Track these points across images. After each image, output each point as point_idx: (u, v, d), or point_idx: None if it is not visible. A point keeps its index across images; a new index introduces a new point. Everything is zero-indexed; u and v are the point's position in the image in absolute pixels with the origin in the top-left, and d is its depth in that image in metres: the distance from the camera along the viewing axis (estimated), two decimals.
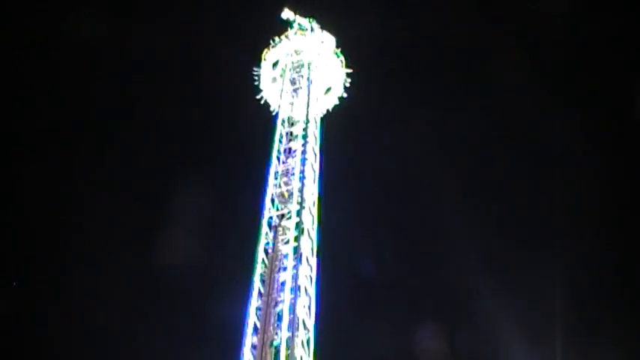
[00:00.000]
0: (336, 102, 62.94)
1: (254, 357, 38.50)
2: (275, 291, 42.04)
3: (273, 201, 47.57)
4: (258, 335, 39.66)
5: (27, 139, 66.67)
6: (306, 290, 41.42)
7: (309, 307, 40.81)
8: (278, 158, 50.58)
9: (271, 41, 62.69)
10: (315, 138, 54.84)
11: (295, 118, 57.44)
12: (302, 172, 47.66)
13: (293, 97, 60.01)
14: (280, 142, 53.50)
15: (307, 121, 54.97)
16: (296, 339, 38.14)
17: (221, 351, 39.12)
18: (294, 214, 45.52)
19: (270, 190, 48.07)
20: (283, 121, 57.13)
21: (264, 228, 45.38)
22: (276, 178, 48.95)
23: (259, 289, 42.05)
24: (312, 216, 46.12)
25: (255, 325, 40.28)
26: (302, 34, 62.38)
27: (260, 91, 62.66)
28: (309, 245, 44.02)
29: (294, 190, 47.28)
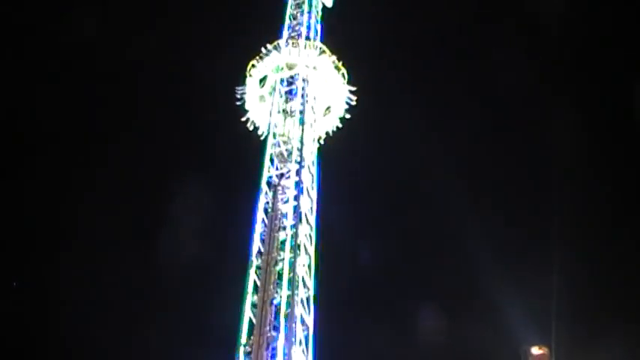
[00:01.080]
0: (338, 123, 52.85)
1: (254, 315, 37.73)
2: (275, 250, 41.18)
3: (272, 160, 46.40)
4: (259, 294, 38.84)
5: (26, 139, 66.46)
6: (305, 249, 40.97)
7: (309, 266, 40.40)
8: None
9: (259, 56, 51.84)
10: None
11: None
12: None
13: (285, 118, 49.75)
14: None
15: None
16: (296, 297, 37.92)
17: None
18: (293, 173, 44.58)
19: (270, 150, 46.76)
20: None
21: (264, 187, 44.33)
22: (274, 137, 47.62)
23: (259, 248, 41.35)
24: (312, 175, 45.80)
25: (255, 283, 39.59)
26: (295, 44, 51.59)
27: (245, 111, 52.43)
28: (308, 204, 43.58)
29: (293, 150, 46.10)
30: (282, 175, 45.50)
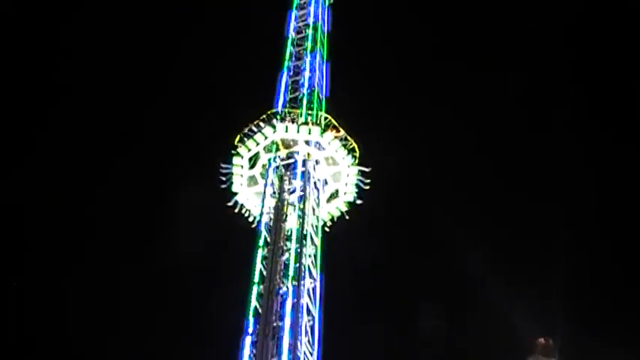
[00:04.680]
0: (345, 208, 42.93)
1: (260, 305, 35.79)
2: (281, 240, 38.83)
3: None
4: (265, 284, 36.70)
5: (27, 137, 63.97)
6: (312, 239, 38.82)
7: (315, 256, 38.65)
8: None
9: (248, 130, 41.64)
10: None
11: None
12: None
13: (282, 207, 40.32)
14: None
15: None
16: (302, 287, 36.04)
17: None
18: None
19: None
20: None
21: (271, 177, 40.83)
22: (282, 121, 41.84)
23: (265, 238, 38.82)
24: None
25: (261, 273, 37.41)
26: (292, 118, 41.20)
27: (233, 194, 42.54)
28: (314, 194, 40.53)
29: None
30: (288, 165, 41.46)
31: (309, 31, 49.30)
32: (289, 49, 49.04)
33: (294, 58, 48.85)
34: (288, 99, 45.31)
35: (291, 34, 50.14)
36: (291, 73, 47.64)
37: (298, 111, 42.28)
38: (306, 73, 46.85)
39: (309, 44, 49.28)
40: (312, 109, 43.69)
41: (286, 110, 42.21)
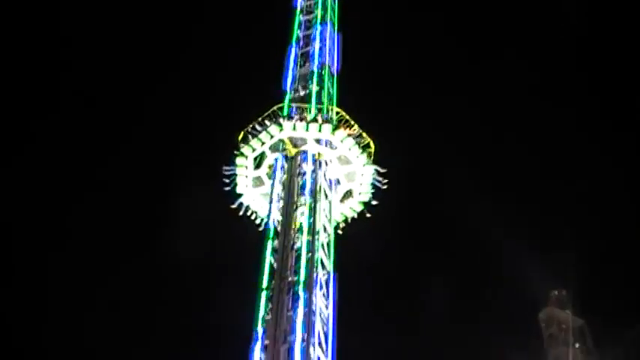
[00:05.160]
0: (359, 208, 39.45)
1: (275, 260, 34.28)
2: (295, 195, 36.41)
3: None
4: (279, 239, 34.95)
5: (26, 138, 65.50)
6: (325, 194, 36.69)
7: (329, 211, 36.57)
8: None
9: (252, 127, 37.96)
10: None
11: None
12: None
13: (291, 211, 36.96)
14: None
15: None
16: (317, 242, 34.35)
17: None
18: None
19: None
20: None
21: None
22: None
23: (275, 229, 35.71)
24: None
25: (275, 230, 35.53)
26: (301, 115, 37.37)
27: (238, 196, 39.12)
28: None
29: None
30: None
31: None
32: (298, 18, 45.14)
33: (303, 27, 44.94)
34: (297, 75, 41.68)
35: (300, 2, 46.02)
36: (302, 44, 43.95)
37: (307, 106, 38.15)
38: (317, 44, 43.13)
39: (319, 12, 45.15)
40: (322, 89, 40.13)
41: (294, 105, 38.10)
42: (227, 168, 38.26)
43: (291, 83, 41.66)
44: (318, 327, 32.43)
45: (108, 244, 62.27)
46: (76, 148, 65.95)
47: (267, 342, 31.51)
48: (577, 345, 40.59)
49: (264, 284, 33.26)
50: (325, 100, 38.73)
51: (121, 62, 69.27)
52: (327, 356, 31.82)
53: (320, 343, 31.88)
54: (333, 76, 42.74)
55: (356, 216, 39.40)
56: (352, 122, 38.10)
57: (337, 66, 42.91)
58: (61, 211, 63.48)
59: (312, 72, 41.30)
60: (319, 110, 38.25)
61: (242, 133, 38.12)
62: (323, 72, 41.93)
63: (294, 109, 38.10)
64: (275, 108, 38.12)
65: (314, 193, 36.08)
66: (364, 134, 38.15)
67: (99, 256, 61.31)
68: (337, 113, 38.31)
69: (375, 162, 38.44)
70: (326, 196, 37.22)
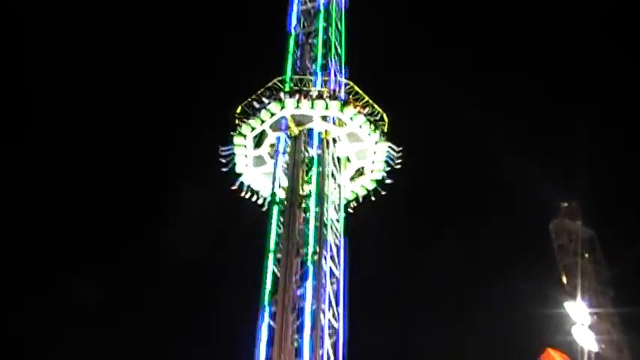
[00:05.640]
0: (372, 186, 35.76)
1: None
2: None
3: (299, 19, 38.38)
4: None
5: (26, 137, 63.51)
6: (334, 177, 33.27)
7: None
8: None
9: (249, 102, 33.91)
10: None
11: None
12: None
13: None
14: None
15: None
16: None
17: None
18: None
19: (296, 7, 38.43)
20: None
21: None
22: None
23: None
24: (340, 32, 37.65)
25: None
26: (305, 90, 33.21)
27: (237, 175, 35.40)
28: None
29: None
30: (309, 33, 37.32)
31: None
32: None
33: None
34: (301, 20, 37.96)
35: None
36: None
37: (311, 78, 33.77)
38: None
39: None
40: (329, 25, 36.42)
41: (296, 77, 33.74)
42: (224, 148, 34.30)
43: (296, 24, 37.81)
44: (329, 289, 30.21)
45: (105, 238, 59.77)
46: (73, 144, 63.28)
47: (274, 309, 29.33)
48: (586, 256, 39.59)
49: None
50: (332, 37, 34.94)
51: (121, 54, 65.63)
52: (338, 320, 29.67)
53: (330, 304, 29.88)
54: (340, 12, 38.77)
55: (369, 194, 35.77)
56: (363, 95, 33.79)
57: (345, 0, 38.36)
58: (61, 206, 60.59)
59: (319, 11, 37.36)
60: (325, 82, 33.80)
61: (239, 107, 33.95)
62: (330, 7, 38.12)
63: (297, 83, 33.64)
64: (276, 80, 33.67)
65: (321, 176, 32.42)
66: (377, 107, 33.95)
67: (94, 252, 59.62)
68: (346, 85, 33.93)
69: (388, 135, 34.48)
70: (334, 179, 33.54)
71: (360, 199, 35.85)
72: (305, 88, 33.52)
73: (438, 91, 58.01)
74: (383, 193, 35.32)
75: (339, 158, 34.19)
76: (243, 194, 35.40)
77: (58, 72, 64.09)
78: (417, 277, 55.37)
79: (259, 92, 33.66)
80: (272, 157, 34.39)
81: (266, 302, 29.58)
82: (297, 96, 32.96)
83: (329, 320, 29.60)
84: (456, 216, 59.30)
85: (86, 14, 59.54)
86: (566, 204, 42.31)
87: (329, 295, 30.27)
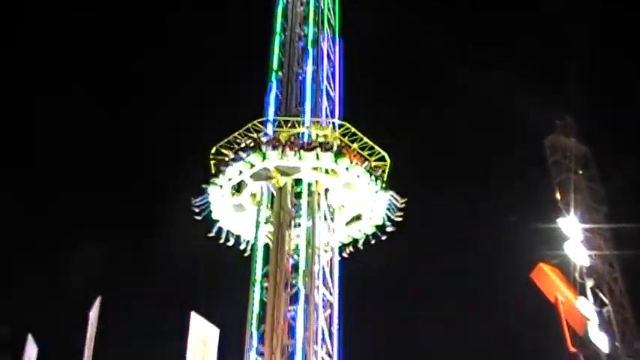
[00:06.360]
0: (371, 231, 30.82)
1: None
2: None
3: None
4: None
5: (26, 137, 61.70)
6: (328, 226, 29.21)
7: (334, 76, 32.32)
8: None
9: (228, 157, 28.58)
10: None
11: None
12: None
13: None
14: None
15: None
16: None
17: None
18: None
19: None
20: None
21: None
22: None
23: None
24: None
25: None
26: (290, 140, 27.75)
27: (214, 222, 30.34)
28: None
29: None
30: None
31: None
32: None
33: None
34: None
35: None
36: None
37: (299, 118, 28.01)
38: None
39: None
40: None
41: (280, 118, 27.95)
42: (196, 200, 29.06)
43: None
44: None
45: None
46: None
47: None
48: (580, 172, 39.35)
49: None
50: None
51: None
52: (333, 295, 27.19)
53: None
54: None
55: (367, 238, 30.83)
56: (361, 136, 28.21)
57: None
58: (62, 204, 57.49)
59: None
60: (316, 123, 28.07)
61: (214, 149, 28.38)
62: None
63: (281, 125, 27.82)
64: (254, 123, 27.90)
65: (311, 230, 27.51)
66: (376, 147, 28.42)
67: None
68: (341, 126, 28.21)
69: (389, 178, 29.14)
70: (327, 227, 28.59)
71: (358, 242, 30.98)
72: (292, 131, 27.77)
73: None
74: (383, 238, 30.52)
75: (332, 208, 29.11)
76: (222, 241, 30.56)
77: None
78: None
79: (236, 134, 27.98)
80: (253, 204, 29.22)
81: None
82: (280, 148, 27.25)
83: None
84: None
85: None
86: (560, 120, 40.89)
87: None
